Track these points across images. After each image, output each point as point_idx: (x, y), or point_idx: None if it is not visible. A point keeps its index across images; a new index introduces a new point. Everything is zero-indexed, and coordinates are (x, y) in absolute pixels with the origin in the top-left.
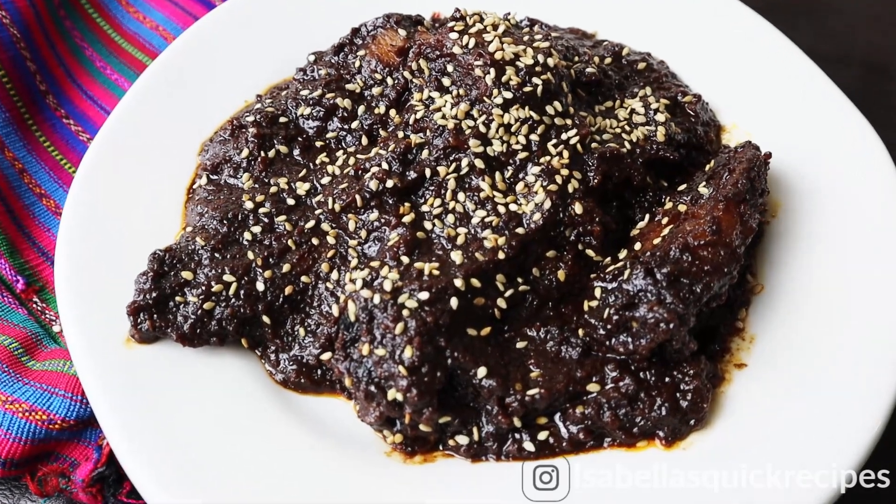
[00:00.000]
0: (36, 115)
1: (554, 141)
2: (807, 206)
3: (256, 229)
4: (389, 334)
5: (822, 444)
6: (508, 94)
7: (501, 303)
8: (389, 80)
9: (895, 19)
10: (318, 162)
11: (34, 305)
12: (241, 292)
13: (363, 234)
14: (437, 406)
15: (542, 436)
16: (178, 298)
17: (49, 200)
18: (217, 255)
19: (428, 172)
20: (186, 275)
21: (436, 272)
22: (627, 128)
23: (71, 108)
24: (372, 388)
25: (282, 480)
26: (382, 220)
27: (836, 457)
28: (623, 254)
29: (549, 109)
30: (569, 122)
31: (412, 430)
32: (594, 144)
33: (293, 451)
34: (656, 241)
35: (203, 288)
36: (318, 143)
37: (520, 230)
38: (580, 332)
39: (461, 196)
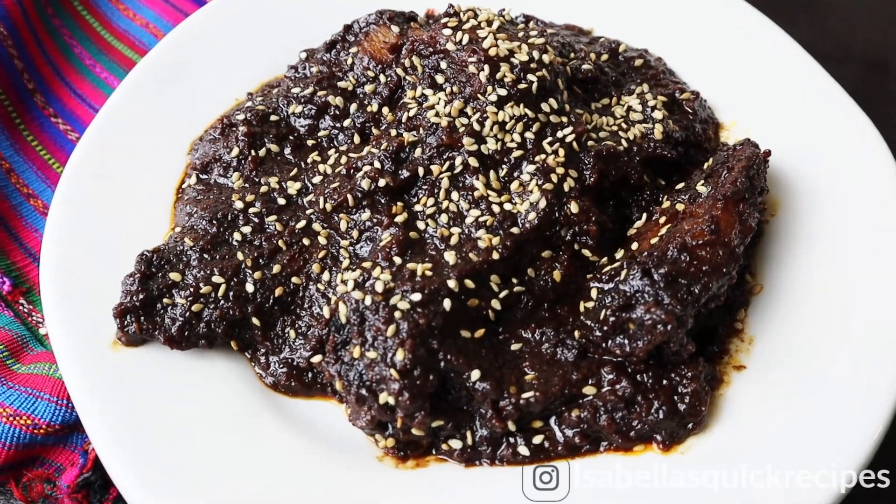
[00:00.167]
0: (23, 113)
1: (549, 139)
2: (807, 205)
3: (246, 229)
4: (381, 336)
5: (822, 447)
6: (503, 92)
7: (496, 304)
8: (382, 78)
9: (895, 14)
10: (309, 161)
11: (21, 307)
12: (230, 294)
13: (355, 234)
14: (429, 410)
15: (538, 440)
16: (165, 300)
17: (37, 201)
18: (206, 255)
19: (421, 171)
20: (174, 276)
21: (429, 273)
22: (624, 125)
23: (59, 106)
24: (363, 391)
25: (272, 486)
26: (374, 220)
27: (837, 461)
28: (620, 254)
29: (545, 107)
30: (564, 119)
31: (404, 434)
32: (590, 142)
33: (283, 456)
34: (654, 240)
35: (191, 289)
36: (310, 142)
37: (514, 230)
38: (576, 333)
39: (455, 195)
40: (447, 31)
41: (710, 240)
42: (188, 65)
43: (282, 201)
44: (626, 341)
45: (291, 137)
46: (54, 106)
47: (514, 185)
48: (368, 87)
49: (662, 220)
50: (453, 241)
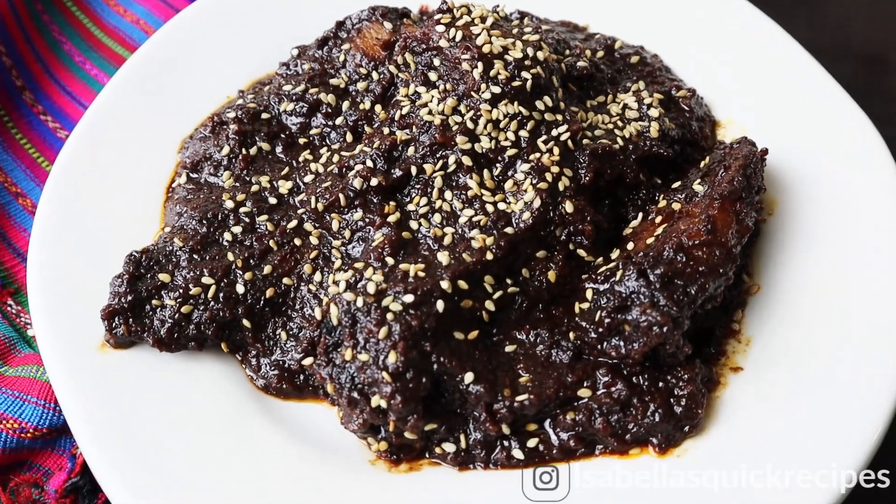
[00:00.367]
0: (12, 111)
1: (544, 137)
2: (804, 204)
3: (237, 229)
4: (373, 339)
5: (821, 448)
6: (497, 89)
7: (490, 305)
8: (375, 75)
9: (893, 9)
10: (301, 159)
11: (9, 308)
12: (221, 295)
13: (347, 234)
14: (422, 413)
15: (532, 443)
16: (154, 302)
17: (25, 199)
18: (196, 256)
19: (414, 170)
20: (164, 277)
21: (421, 274)
22: (620, 123)
23: (48, 104)
24: (355, 394)
25: (262, 490)
26: (367, 220)
27: (836, 462)
28: (615, 254)
29: (539, 105)
30: (559, 117)
31: (397, 437)
32: (586, 141)
33: (274, 460)
34: (649, 240)
35: (181, 291)
36: (302, 140)
37: (509, 230)
38: (571, 335)
39: (448, 194)
40: (440, 28)
41: (707, 240)
42: (179, 61)
43: (273, 201)
44: (622, 343)
45: (283, 136)
46: (43, 103)
47: (509, 185)
48: (361, 85)
49: (658, 219)
50: (447, 241)
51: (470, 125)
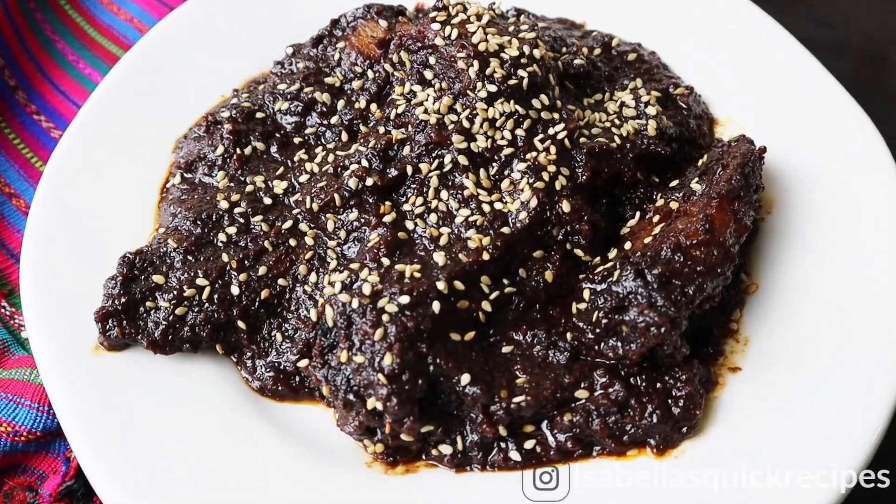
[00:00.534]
0: (5, 111)
1: (541, 136)
2: (803, 202)
3: (231, 230)
4: (368, 340)
5: (820, 449)
6: (493, 88)
7: (486, 306)
8: (370, 73)
9: (893, 6)
10: (296, 159)
11: (2, 310)
12: (215, 297)
13: (342, 234)
14: (418, 415)
15: (529, 444)
16: (148, 304)
17: (19, 200)
18: (190, 257)
19: (409, 170)
20: (158, 279)
21: (417, 275)
22: (617, 122)
23: (42, 103)
24: (351, 396)
25: (259, 493)
26: (362, 220)
27: (836, 463)
28: (613, 253)
29: (536, 103)
30: (556, 116)
31: (393, 439)
32: (582, 139)
33: (270, 463)
34: (647, 240)
35: (175, 292)
36: (297, 140)
37: (505, 230)
38: (568, 335)
39: (444, 194)
40: (436, 26)
41: (705, 239)
42: (173, 60)
43: (268, 201)
44: (619, 344)
45: (278, 135)
46: (37, 103)
47: (505, 184)
48: (356, 84)
49: (656, 218)
50: (443, 241)
51: (466, 124)
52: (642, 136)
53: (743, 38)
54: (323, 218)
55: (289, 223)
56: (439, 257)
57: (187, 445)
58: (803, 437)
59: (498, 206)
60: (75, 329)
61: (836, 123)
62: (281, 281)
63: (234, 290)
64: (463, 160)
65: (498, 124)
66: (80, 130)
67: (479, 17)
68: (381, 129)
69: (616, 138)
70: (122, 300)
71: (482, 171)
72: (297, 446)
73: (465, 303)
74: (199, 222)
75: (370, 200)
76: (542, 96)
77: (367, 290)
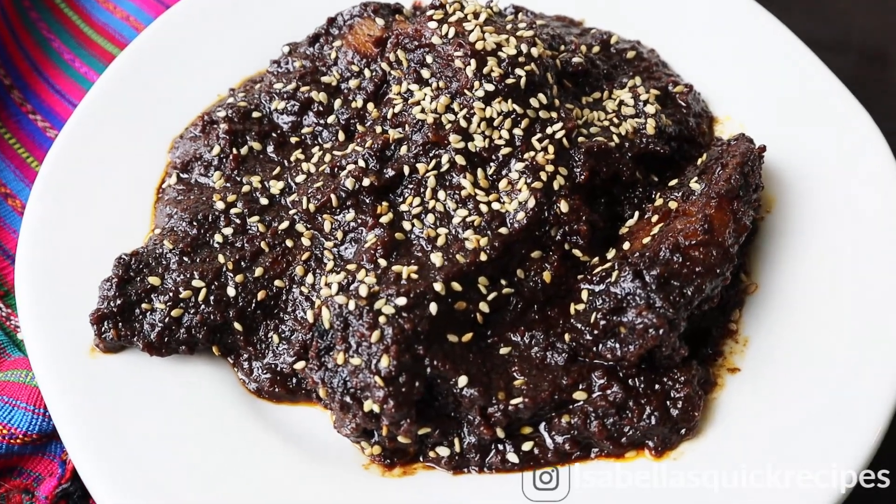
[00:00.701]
0: (0, 111)
1: (538, 135)
2: (803, 201)
3: (228, 231)
4: (365, 342)
5: (819, 451)
6: (490, 87)
7: (484, 307)
8: (367, 72)
9: (894, 2)
10: (292, 159)
11: None
12: (211, 298)
13: (339, 235)
14: (415, 417)
15: (527, 446)
16: (144, 305)
17: (15, 200)
18: (186, 258)
19: (406, 170)
20: (153, 280)
21: (414, 276)
22: (616, 120)
23: (38, 103)
24: (347, 398)
25: (255, 495)
26: (359, 221)
27: (835, 465)
28: (611, 253)
29: (534, 102)
30: (554, 115)
31: (390, 441)
32: (581, 138)
33: (267, 465)
34: (646, 240)
35: (171, 294)
36: (293, 139)
37: (503, 230)
38: (566, 336)
39: (441, 194)
40: (433, 24)
41: (704, 239)
42: (169, 59)
43: (264, 201)
44: (618, 345)
45: (274, 135)
46: (32, 102)
47: (503, 184)
48: (353, 83)
49: (655, 218)
50: (440, 242)
51: (463, 123)
52: (641, 135)
53: (743, 36)
54: (319, 218)
55: (285, 224)
56: (436, 258)
57: (183, 448)
58: (803, 439)
59: (495, 206)
60: (71, 331)
61: (837, 121)
62: (277, 282)
63: (231, 291)
64: (460, 160)
65: (495, 124)
66: (76, 130)
67: (476, 15)
68: (378, 129)
69: (615, 137)
70: (118, 302)
71: (480, 171)
72: (293, 448)
73: (462, 304)
74: (195, 223)
75: (367, 201)
76: (540, 95)
77: (363, 291)
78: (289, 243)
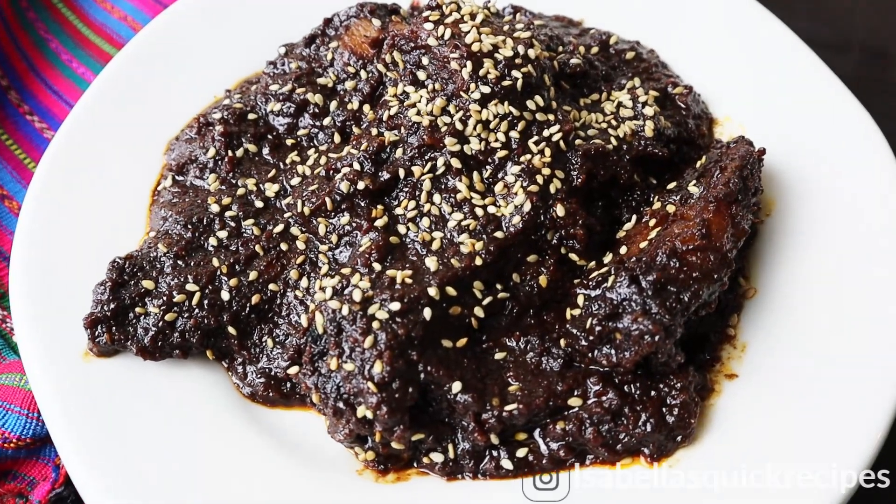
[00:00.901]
0: None
1: (535, 138)
2: (803, 204)
3: (222, 234)
4: (358, 348)
5: (818, 459)
6: (486, 89)
7: (479, 311)
8: (363, 74)
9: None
10: (288, 161)
11: None
12: (205, 302)
13: (334, 238)
14: (408, 423)
15: (521, 453)
16: (138, 309)
17: (11, 202)
18: (180, 262)
19: (402, 173)
20: (147, 284)
21: (408, 280)
22: (614, 122)
23: (34, 103)
24: (340, 404)
25: (249, 501)
26: (354, 224)
27: (834, 475)
28: (608, 258)
29: (530, 104)
30: (551, 117)
31: (384, 447)
32: (578, 141)
33: (261, 470)
34: (643, 244)
35: (164, 298)
36: (289, 141)
37: (498, 234)
38: (562, 342)
39: (437, 198)
40: (428, 26)
41: (701, 244)
42: (166, 60)
43: (259, 204)
44: (613, 351)
45: (270, 137)
46: (29, 103)
47: (499, 187)
48: (349, 84)
49: (652, 222)
50: (435, 245)
51: (459, 126)
52: (639, 138)
53: (743, 36)
54: (314, 222)
55: (280, 227)
56: (431, 262)
57: (177, 452)
58: (801, 446)
59: (491, 209)
60: (65, 334)
61: (838, 122)
62: (272, 286)
63: (225, 295)
64: (456, 163)
65: (491, 126)
66: (72, 131)
67: (473, 16)
68: (374, 131)
69: (612, 140)
70: (112, 306)
71: (475, 175)
72: (287, 453)
73: (457, 309)
74: (189, 226)
75: (362, 204)
76: (537, 97)
77: (357, 296)
78: (283, 247)
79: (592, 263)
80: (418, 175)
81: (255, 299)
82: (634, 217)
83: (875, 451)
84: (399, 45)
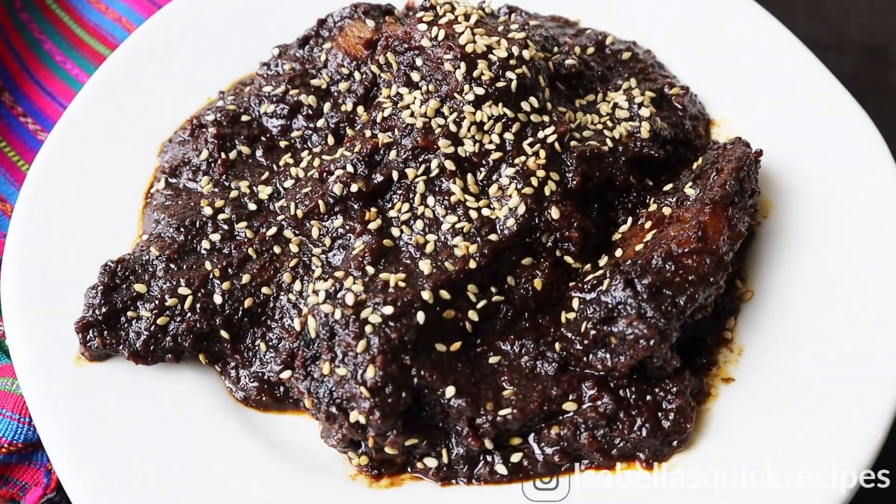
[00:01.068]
0: None
1: (530, 140)
2: (800, 206)
3: (215, 237)
4: (351, 352)
5: (816, 465)
6: (480, 90)
7: (473, 315)
8: (357, 75)
9: (895, 1)
10: (281, 163)
11: None
12: (198, 306)
13: (327, 241)
14: (402, 428)
15: (516, 458)
16: (130, 313)
17: (4, 204)
18: (172, 265)
19: (395, 175)
20: (139, 288)
21: (402, 284)
22: (610, 124)
23: (28, 105)
24: (333, 409)
25: None
26: (347, 227)
27: (832, 480)
28: (604, 260)
29: (525, 106)
30: (546, 118)
31: (377, 452)
32: (573, 143)
33: (254, 475)
34: (638, 247)
35: (156, 302)
36: (283, 143)
37: (493, 237)
38: (557, 345)
39: (430, 200)
40: (422, 27)
41: (697, 247)
42: (159, 61)
43: (252, 207)
44: (608, 355)
45: (263, 139)
46: (23, 104)
47: (493, 189)
48: (343, 85)
49: (648, 224)
50: (428, 248)
51: (453, 128)
52: (635, 139)
53: (741, 36)
54: (307, 224)
55: (273, 230)
56: (425, 265)
57: (170, 458)
58: (800, 447)
59: (485, 212)
60: (57, 338)
61: (836, 123)
62: (265, 289)
63: (217, 299)
64: (450, 165)
65: (486, 128)
66: (64, 133)
67: (467, 16)
68: (368, 133)
69: (608, 141)
70: (103, 310)
71: (469, 177)
72: (280, 458)
73: (451, 312)
74: (182, 229)
75: (355, 207)
76: (532, 98)
77: (350, 300)
78: (276, 250)
79: (588, 266)
80: (412, 177)
81: (247, 303)
82: (630, 219)
83: (875, 451)
84: (393, 47)
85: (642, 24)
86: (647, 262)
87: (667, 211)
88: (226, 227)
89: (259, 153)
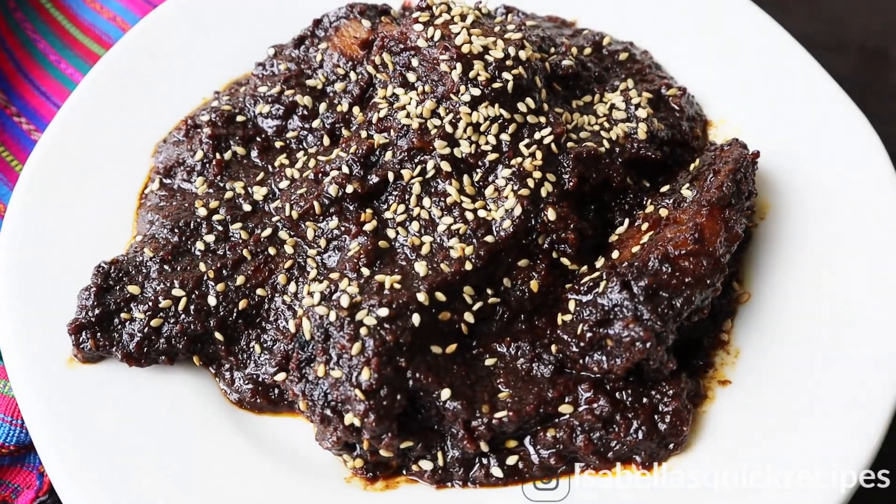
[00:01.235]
0: None
1: (526, 141)
2: (798, 208)
3: (210, 238)
4: (346, 354)
5: (812, 468)
6: (476, 91)
7: (469, 317)
8: (353, 76)
9: (894, 2)
10: (276, 164)
11: None
12: (192, 308)
13: (322, 242)
14: (397, 431)
15: (512, 461)
16: (123, 315)
17: None
18: (167, 267)
19: (391, 176)
20: (133, 289)
21: (397, 286)
22: (607, 125)
23: (22, 105)
24: (328, 411)
25: None
26: (343, 229)
27: (829, 483)
28: (600, 262)
29: (521, 107)
30: (542, 119)
31: (372, 455)
32: (570, 144)
33: (249, 478)
34: (635, 249)
35: (150, 303)
36: (278, 144)
37: (489, 238)
38: (553, 348)
39: (426, 201)
40: (418, 27)
41: (694, 249)
42: (154, 61)
43: (247, 208)
44: (604, 358)
45: (258, 139)
46: (17, 104)
47: (489, 191)
48: (339, 86)
49: (645, 226)
50: (424, 250)
51: (449, 129)
52: (632, 140)
53: (739, 37)
54: (303, 226)
55: (268, 231)
56: (420, 267)
57: (163, 461)
58: (795, 454)
59: (482, 213)
60: (49, 340)
61: (834, 125)
62: (259, 291)
63: (212, 300)
64: (446, 166)
65: (482, 129)
66: (58, 133)
67: (463, 17)
68: (364, 134)
69: (605, 142)
70: (96, 312)
71: (465, 178)
72: (275, 460)
73: (446, 314)
74: (176, 230)
75: (350, 208)
76: (528, 99)
77: (345, 302)
78: (271, 251)
79: (584, 268)
80: (408, 178)
81: (242, 304)
82: (627, 221)
83: (875, 451)
84: (388, 47)
85: (639, 24)
86: (644, 264)
87: (663, 212)
88: (220, 228)
89: (254, 154)
